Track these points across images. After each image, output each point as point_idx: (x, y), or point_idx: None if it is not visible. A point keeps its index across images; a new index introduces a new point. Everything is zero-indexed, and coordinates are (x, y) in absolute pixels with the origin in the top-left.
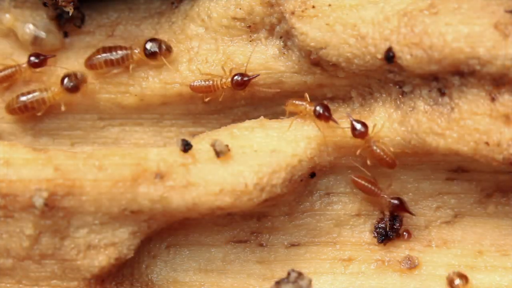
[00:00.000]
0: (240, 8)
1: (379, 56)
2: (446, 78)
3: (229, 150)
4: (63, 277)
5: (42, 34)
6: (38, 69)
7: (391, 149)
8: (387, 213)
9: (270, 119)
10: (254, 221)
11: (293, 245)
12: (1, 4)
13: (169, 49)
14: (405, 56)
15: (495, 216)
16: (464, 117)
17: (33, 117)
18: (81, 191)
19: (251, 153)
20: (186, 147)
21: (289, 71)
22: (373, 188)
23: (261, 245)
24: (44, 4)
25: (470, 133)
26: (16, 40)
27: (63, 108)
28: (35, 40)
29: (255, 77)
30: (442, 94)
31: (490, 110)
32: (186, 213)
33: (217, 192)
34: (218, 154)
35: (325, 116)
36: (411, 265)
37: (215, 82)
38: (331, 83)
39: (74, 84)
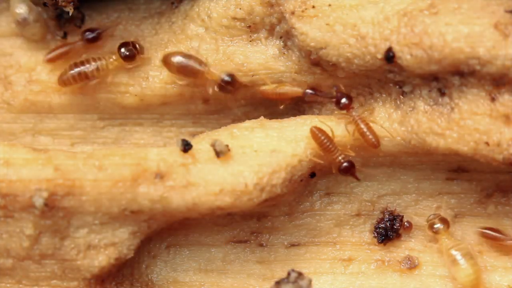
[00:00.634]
0: (240, 8)
1: (379, 56)
2: (446, 78)
3: (229, 150)
4: (63, 277)
5: (30, 19)
6: (92, 44)
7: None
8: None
9: (270, 119)
10: (254, 221)
11: (293, 245)
12: None
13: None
14: (405, 56)
15: (495, 216)
16: (464, 117)
17: (77, 91)
18: (81, 191)
19: (251, 153)
20: (186, 147)
21: (289, 71)
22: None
23: (261, 245)
24: (44, 4)
25: (470, 133)
26: (16, 39)
27: (109, 80)
28: (23, 21)
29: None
30: (442, 94)
31: (490, 110)
32: (186, 213)
33: (217, 192)
34: (218, 154)
35: (350, 172)
36: (411, 265)
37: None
38: (331, 83)
39: (131, 52)
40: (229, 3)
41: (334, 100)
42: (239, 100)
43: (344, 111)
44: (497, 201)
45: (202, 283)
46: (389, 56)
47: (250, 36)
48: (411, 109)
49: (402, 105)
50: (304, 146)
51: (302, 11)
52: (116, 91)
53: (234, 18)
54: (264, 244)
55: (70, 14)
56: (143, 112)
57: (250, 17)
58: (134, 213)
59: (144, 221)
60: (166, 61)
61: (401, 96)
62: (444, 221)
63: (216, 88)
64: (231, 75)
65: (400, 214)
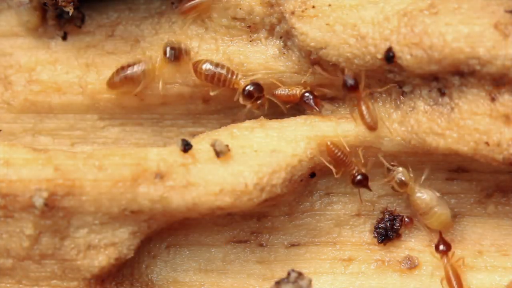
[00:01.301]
0: (240, 8)
1: (379, 56)
2: (446, 78)
3: (229, 150)
4: (63, 277)
5: (27, 4)
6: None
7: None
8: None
9: (270, 119)
10: (254, 221)
11: (293, 245)
12: None
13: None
14: (405, 56)
15: (495, 216)
16: (464, 117)
17: (124, 96)
18: (81, 191)
19: (251, 153)
20: (186, 147)
21: (289, 71)
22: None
23: (261, 245)
24: (44, 4)
25: (470, 133)
26: (16, 39)
27: (161, 87)
28: (19, 3)
29: None
30: (442, 94)
31: (490, 110)
32: (186, 213)
33: (217, 192)
34: (218, 154)
35: (363, 184)
36: (411, 265)
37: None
38: (331, 83)
39: (176, 53)
40: (229, 3)
41: (342, 83)
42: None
43: (353, 94)
44: (497, 201)
45: (202, 283)
46: (389, 56)
47: (250, 36)
48: (411, 109)
49: (402, 105)
50: (304, 146)
51: (302, 11)
52: (116, 91)
53: (234, 18)
54: (264, 244)
55: (70, 14)
56: (143, 112)
57: (250, 17)
58: (134, 213)
59: (144, 221)
60: (195, 69)
61: (401, 96)
62: (404, 171)
63: (241, 98)
64: (255, 84)
65: (400, 214)
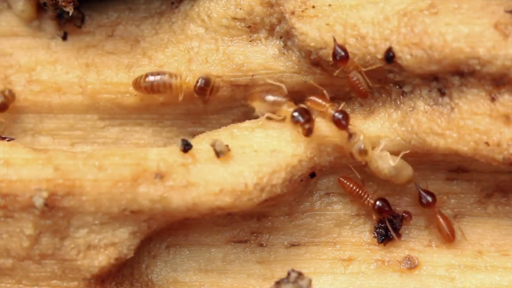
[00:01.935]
0: (240, 8)
1: (379, 56)
2: (446, 78)
3: (229, 150)
4: (63, 277)
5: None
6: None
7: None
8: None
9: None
10: (254, 221)
11: (293, 245)
12: None
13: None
14: (405, 56)
15: (495, 216)
16: (464, 117)
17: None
18: (81, 191)
19: (251, 153)
20: (186, 147)
21: (289, 71)
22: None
23: (261, 245)
24: (44, 4)
25: (470, 133)
26: (16, 39)
27: (180, 98)
28: None
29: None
30: (442, 94)
31: (490, 110)
32: (186, 213)
33: (217, 192)
34: (218, 154)
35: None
36: (411, 265)
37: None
38: (331, 83)
39: (205, 84)
40: (229, 3)
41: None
42: (239, 100)
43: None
44: (497, 201)
45: (202, 283)
46: (389, 56)
47: (250, 36)
48: (411, 109)
49: (402, 105)
50: (304, 146)
51: (302, 11)
52: (116, 91)
53: (234, 18)
54: (264, 244)
55: (70, 14)
56: (143, 112)
57: (250, 17)
58: (134, 213)
59: (144, 221)
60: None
61: (401, 96)
62: (365, 138)
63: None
64: (301, 109)
65: (400, 214)
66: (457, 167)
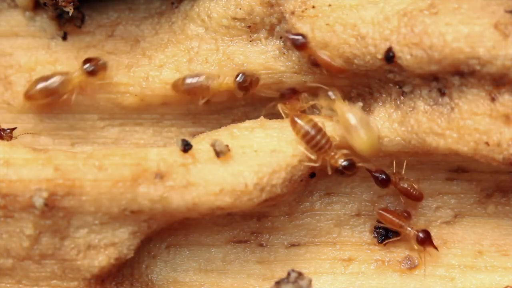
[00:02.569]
0: (240, 8)
1: (379, 56)
2: (446, 78)
3: (229, 150)
4: (63, 277)
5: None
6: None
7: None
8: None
9: (270, 119)
10: (254, 221)
11: (293, 245)
12: None
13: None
14: (405, 56)
15: (495, 216)
16: (464, 117)
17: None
18: (81, 191)
19: (251, 153)
20: (186, 147)
21: (289, 71)
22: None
23: (261, 245)
24: (44, 4)
25: (470, 133)
26: (16, 39)
27: (224, 98)
28: None
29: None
30: (442, 94)
31: (490, 110)
32: (186, 213)
33: (217, 192)
34: (218, 154)
35: (428, 241)
36: (411, 265)
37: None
38: (331, 83)
39: (244, 79)
40: (229, 3)
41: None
42: (239, 100)
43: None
44: (497, 201)
45: (202, 283)
46: (389, 56)
47: (250, 36)
48: (411, 109)
49: (402, 105)
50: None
51: (302, 11)
52: (116, 91)
53: (234, 18)
54: (264, 244)
55: (70, 14)
56: (143, 112)
57: (250, 17)
58: (134, 213)
59: (144, 221)
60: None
61: (401, 96)
62: (334, 91)
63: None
64: (350, 161)
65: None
66: (457, 167)
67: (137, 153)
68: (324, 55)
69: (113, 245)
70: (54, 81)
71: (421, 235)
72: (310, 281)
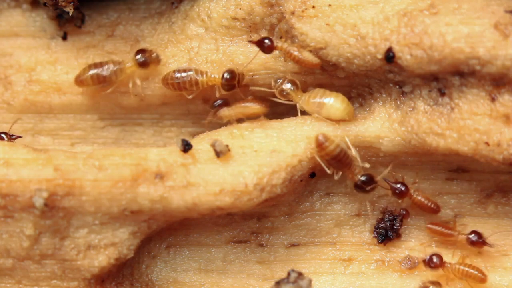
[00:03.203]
0: (240, 8)
1: (379, 56)
2: (446, 78)
3: (229, 150)
4: (63, 277)
5: None
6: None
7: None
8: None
9: (270, 119)
10: (254, 221)
11: (293, 245)
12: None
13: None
14: (405, 56)
15: (495, 216)
16: (464, 117)
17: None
18: (81, 191)
19: (251, 153)
20: (186, 147)
21: (289, 71)
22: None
23: (261, 245)
24: (44, 4)
25: (470, 133)
26: (16, 39)
27: (217, 95)
28: None
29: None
30: (442, 94)
31: (490, 110)
32: (186, 213)
33: (217, 192)
34: (218, 154)
35: (479, 243)
36: (411, 265)
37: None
38: (331, 83)
39: (231, 77)
40: (229, 3)
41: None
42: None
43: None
44: (497, 201)
45: (202, 283)
46: (389, 56)
47: (250, 36)
48: (411, 109)
49: (402, 105)
50: (304, 146)
51: (302, 11)
52: (116, 91)
53: (234, 18)
54: (264, 244)
55: (70, 14)
56: (143, 112)
57: (250, 17)
58: (134, 213)
59: (144, 221)
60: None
61: (401, 96)
62: (292, 82)
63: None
64: (368, 176)
65: (400, 214)
66: (457, 167)
67: (137, 153)
68: (294, 52)
69: (113, 245)
70: (107, 69)
71: (472, 237)
72: (310, 281)
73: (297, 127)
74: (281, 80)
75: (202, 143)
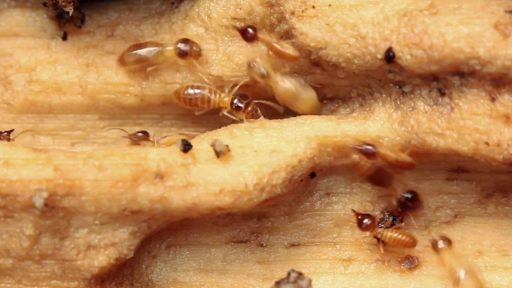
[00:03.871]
0: (240, 8)
1: (379, 56)
2: (446, 78)
3: (229, 150)
4: (63, 277)
5: None
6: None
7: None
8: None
9: (270, 119)
10: (254, 221)
11: (293, 245)
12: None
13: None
14: (405, 56)
15: (495, 216)
16: (464, 117)
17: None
18: (81, 191)
19: (251, 153)
20: (186, 147)
21: (289, 71)
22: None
23: (261, 245)
24: (44, 4)
25: (470, 133)
26: (16, 39)
27: (220, 114)
28: None
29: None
30: (442, 94)
31: (490, 110)
32: (186, 213)
33: (217, 192)
34: (218, 154)
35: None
36: (411, 265)
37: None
38: (331, 83)
39: (245, 105)
40: (229, 3)
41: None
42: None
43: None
44: (497, 201)
45: (202, 283)
46: (389, 56)
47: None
48: (411, 109)
49: (402, 105)
50: (304, 146)
51: (302, 11)
52: (116, 91)
53: (234, 18)
54: (264, 244)
55: (70, 14)
56: (143, 112)
57: (250, 17)
58: (134, 213)
59: (144, 221)
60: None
61: (401, 96)
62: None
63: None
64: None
65: (400, 214)
66: (457, 167)
67: (137, 153)
68: (277, 46)
69: (113, 245)
70: (148, 50)
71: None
72: (310, 281)
73: (297, 127)
74: (253, 65)
75: (202, 143)
